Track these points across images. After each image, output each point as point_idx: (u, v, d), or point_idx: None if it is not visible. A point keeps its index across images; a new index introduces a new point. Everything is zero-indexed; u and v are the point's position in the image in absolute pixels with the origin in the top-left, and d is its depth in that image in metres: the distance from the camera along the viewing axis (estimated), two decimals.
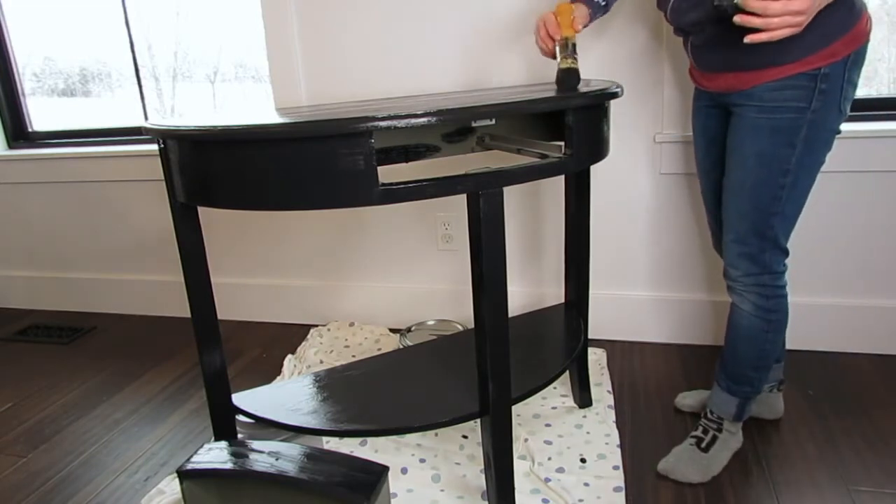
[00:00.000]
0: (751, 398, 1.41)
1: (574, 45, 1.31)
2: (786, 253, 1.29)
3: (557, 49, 1.32)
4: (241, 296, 2.39)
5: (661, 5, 1.33)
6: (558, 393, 1.74)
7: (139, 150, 2.33)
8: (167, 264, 2.47)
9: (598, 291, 2.02)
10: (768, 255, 1.27)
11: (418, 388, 1.37)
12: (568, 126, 1.19)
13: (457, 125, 1.47)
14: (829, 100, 1.16)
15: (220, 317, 2.08)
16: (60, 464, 1.59)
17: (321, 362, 1.99)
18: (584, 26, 1.36)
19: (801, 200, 1.25)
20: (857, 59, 1.16)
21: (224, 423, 1.34)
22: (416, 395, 1.34)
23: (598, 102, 1.25)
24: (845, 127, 1.49)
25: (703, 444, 1.42)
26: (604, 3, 1.41)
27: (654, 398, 1.72)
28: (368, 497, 1.01)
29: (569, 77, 1.30)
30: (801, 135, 1.18)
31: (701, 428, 1.46)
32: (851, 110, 1.51)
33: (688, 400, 1.65)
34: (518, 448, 1.50)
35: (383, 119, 0.96)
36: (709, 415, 1.45)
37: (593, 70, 1.83)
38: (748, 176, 1.23)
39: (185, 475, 1.12)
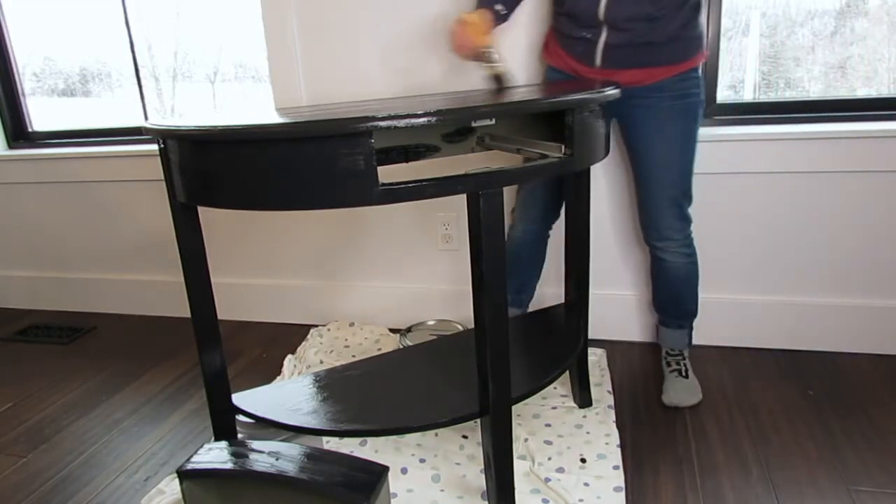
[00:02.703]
0: (693, 325, 1.78)
1: (491, 51, 1.41)
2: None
3: (479, 58, 1.41)
4: (241, 296, 2.39)
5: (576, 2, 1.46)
6: (558, 393, 1.74)
7: (139, 150, 2.33)
8: (167, 264, 2.47)
9: (598, 291, 2.02)
10: (689, 209, 1.62)
11: (418, 388, 1.37)
12: (568, 126, 1.19)
13: (457, 125, 1.47)
14: (703, 88, 1.55)
15: (220, 317, 2.08)
16: (60, 464, 1.59)
17: (321, 362, 1.99)
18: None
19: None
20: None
21: (224, 423, 1.34)
22: (416, 395, 1.34)
23: (598, 102, 1.25)
24: (845, 127, 1.77)
25: (684, 373, 1.72)
26: (504, 13, 1.55)
27: (655, 398, 1.72)
28: (368, 497, 1.01)
29: (499, 81, 1.43)
30: (699, 113, 1.55)
31: (673, 362, 1.75)
32: (851, 110, 1.83)
33: (670, 388, 1.72)
34: (518, 448, 1.50)
35: (383, 119, 0.96)
36: (671, 352, 1.78)
37: None
38: (675, 150, 1.54)
39: (185, 475, 1.12)
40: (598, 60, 1.50)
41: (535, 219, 1.79)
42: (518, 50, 1.86)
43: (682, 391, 1.67)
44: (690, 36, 1.46)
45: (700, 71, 1.53)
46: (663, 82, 1.50)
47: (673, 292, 1.73)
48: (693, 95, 1.52)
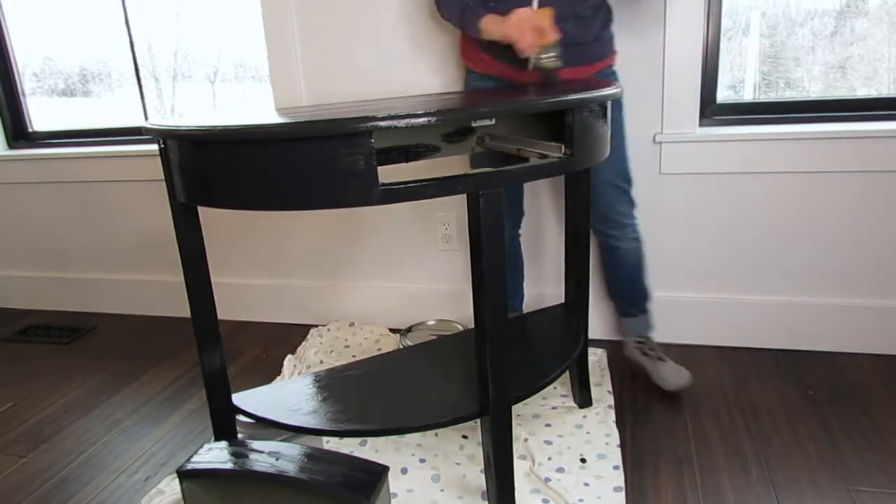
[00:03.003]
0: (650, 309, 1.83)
1: (556, 46, 1.42)
2: None
3: (539, 50, 1.42)
4: (241, 296, 2.39)
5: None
6: (558, 393, 1.74)
7: (139, 150, 2.33)
8: (167, 264, 2.47)
9: (598, 291, 2.02)
10: (632, 192, 1.69)
11: (418, 388, 1.37)
12: (568, 126, 1.19)
13: (457, 125, 1.47)
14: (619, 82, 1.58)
15: (220, 317, 2.08)
16: (60, 464, 1.59)
17: (321, 362, 1.99)
18: None
19: None
20: None
21: (224, 423, 1.34)
22: (416, 395, 1.34)
23: (598, 102, 1.25)
24: (845, 127, 1.77)
25: (663, 357, 1.74)
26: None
27: (654, 398, 1.72)
28: (368, 497, 1.01)
29: (551, 76, 1.44)
30: (623, 103, 1.67)
31: (647, 349, 1.78)
32: (851, 110, 1.83)
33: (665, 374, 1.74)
34: (518, 448, 1.50)
35: (383, 119, 0.96)
36: (640, 340, 1.80)
37: None
38: (617, 140, 1.61)
39: (185, 475, 1.12)
40: (530, 63, 1.51)
41: (507, 226, 1.80)
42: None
43: (674, 373, 1.69)
44: (609, 35, 1.59)
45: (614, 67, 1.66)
46: (591, 78, 1.57)
47: (631, 277, 1.77)
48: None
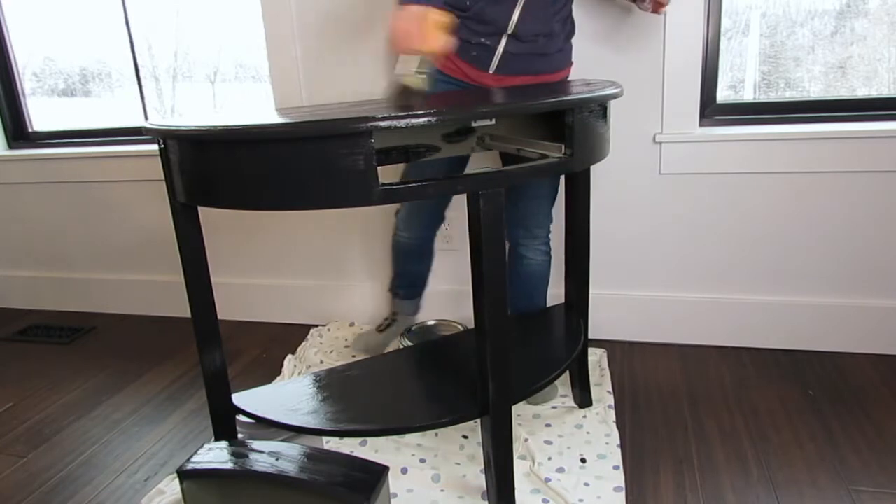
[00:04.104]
0: None
1: (432, 60, 1.18)
2: None
3: (409, 59, 1.16)
4: (241, 296, 2.39)
5: (489, 11, 1.43)
6: (558, 393, 1.74)
7: (139, 150, 2.33)
8: (167, 264, 2.47)
9: (598, 291, 2.02)
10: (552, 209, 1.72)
11: (418, 388, 1.37)
12: (568, 126, 1.19)
13: (457, 125, 1.47)
14: None
15: (220, 317, 2.08)
16: (60, 464, 1.59)
17: (321, 362, 1.99)
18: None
19: None
20: None
21: (224, 423, 1.34)
22: (416, 395, 1.34)
23: (598, 102, 1.25)
24: (845, 127, 1.77)
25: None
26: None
27: (655, 398, 1.72)
28: (368, 497, 1.01)
29: (411, 92, 1.16)
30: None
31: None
32: (851, 110, 1.83)
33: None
34: (518, 448, 1.50)
35: (383, 119, 0.96)
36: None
37: (593, 70, 1.83)
38: (553, 184, 1.67)
39: (185, 475, 1.12)
40: (493, 66, 1.50)
41: (429, 225, 1.80)
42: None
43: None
44: (569, 47, 1.61)
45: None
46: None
47: (529, 289, 1.77)
48: None
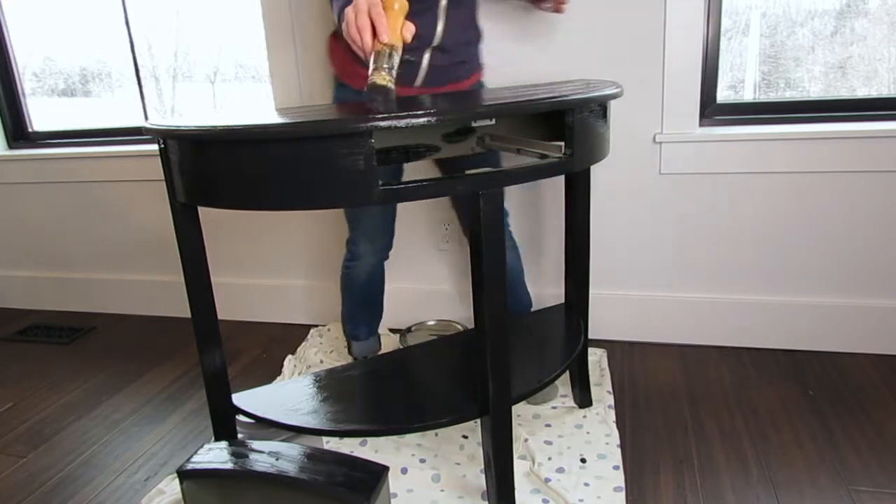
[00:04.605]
0: None
1: (396, 54, 1.05)
2: None
3: (372, 56, 1.04)
4: (241, 296, 2.39)
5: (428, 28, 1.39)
6: (558, 393, 1.74)
7: (139, 150, 2.33)
8: (167, 264, 2.47)
9: (598, 291, 2.02)
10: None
11: (418, 388, 1.37)
12: (568, 126, 1.19)
13: (457, 125, 1.47)
14: None
15: (220, 317, 2.08)
16: (60, 464, 1.59)
17: (321, 362, 1.99)
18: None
19: None
20: None
21: (224, 423, 1.34)
22: (416, 395, 1.34)
23: (598, 102, 1.25)
24: (845, 127, 1.76)
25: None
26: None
27: (655, 398, 1.72)
28: (368, 497, 1.01)
29: (376, 94, 1.03)
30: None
31: None
32: (851, 110, 1.81)
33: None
34: (518, 448, 1.50)
35: (383, 119, 0.96)
36: None
37: (593, 70, 1.83)
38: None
39: (185, 475, 1.12)
40: (419, 81, 1.48)
41: (383, 248, 1.77)
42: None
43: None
44: (479, 51, 1.61)
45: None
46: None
47: (508, 287, 1.74)
48: None
